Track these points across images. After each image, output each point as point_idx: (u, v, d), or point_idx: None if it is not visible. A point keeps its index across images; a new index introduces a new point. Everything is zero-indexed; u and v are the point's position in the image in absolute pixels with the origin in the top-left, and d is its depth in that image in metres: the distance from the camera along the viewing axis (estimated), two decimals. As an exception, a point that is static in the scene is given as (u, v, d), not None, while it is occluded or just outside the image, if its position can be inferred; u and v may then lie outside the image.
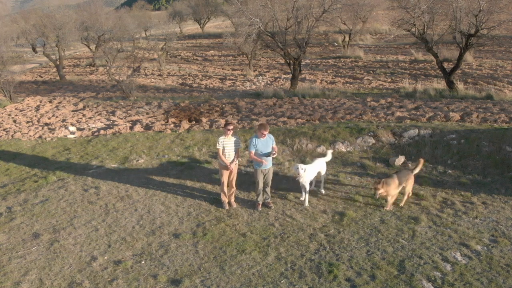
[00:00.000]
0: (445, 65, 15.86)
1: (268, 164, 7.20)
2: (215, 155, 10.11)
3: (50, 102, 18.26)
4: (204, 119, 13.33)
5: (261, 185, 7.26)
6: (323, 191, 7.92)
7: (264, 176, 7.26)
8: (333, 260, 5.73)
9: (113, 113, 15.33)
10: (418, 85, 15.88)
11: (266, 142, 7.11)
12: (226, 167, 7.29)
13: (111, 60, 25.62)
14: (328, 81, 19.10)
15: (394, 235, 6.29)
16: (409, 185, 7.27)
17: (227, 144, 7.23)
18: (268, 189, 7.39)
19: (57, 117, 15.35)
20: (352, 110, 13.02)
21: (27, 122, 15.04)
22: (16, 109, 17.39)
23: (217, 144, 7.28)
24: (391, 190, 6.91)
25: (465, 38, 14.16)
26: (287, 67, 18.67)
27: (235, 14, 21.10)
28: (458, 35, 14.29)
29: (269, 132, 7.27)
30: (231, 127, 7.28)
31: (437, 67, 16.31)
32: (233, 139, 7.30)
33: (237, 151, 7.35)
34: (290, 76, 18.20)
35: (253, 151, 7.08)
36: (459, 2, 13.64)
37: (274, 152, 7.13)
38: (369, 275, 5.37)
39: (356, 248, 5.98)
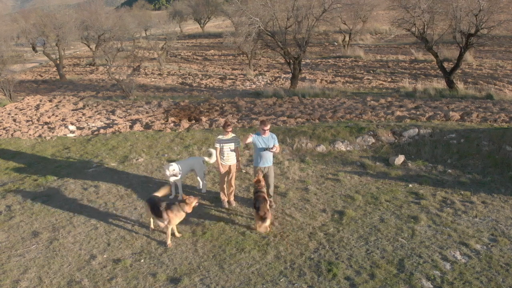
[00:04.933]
0: (445, 64, 15.86)
1: (267, 162, 7.10)
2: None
3: (50, 101, 18.26)
4: (203, 118, 13.32)
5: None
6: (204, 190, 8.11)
7: (264, 176, 7.17)
8: (333, 259, 5.72)
9: (113, 112, 15.32)
10: (418, 84, 15.88)
11: (267, 141, 7.01)
12: (224, 166, 7.28)
13: (111, 59, 25.66)
14: (328, 81, 19.10)
15: (393, 234, 6.29)
16: None
17: (225, 144, 7.21)
18: (270, 190, 7.29)
19: (57, 116, 15.34)
20: (352, 109, 13.02)
21: (27, 121, 15.03)
22: (16, 108, 17.38)
23: (215, 143, 7.28)
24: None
25: (465, 38, 14.16)
26: (287, 67, 18.67)
27: (235, 13, 21.13)
28: (458, 34, 14.29)
29: (269, 131, 7.21)
30: (229, 129, 7.20)
31: (437, 66, 16.31)
32: (232, 138, 7.28)
33: (236, 150, 7.33)
34: (290, 75, 18.20)
35: (250, 140, 6.99)
36: (459, 1, 13.64)
37: (271, 147, 6.95)
38: (368, 274, 5.37)
39: (355, 247, 5.98)
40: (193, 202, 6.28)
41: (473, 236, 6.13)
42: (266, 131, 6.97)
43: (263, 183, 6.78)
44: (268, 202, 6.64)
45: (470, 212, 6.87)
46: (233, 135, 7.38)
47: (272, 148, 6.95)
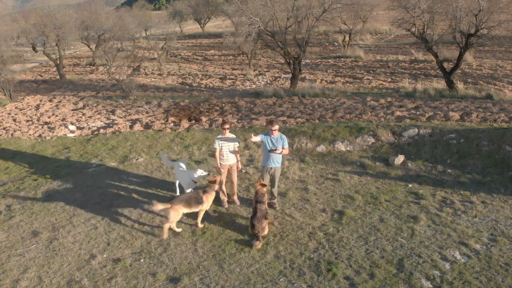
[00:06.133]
0: (445, 65, 15.87)
1: (274, 162, 7.01)
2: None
3: (50, 101, 18.27)
4: (203, 118, 13.33)
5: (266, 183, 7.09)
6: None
7: (271, 176, 7.13)
8: (332, 258, 5.73)
9: (113, 112, 15.33)
10: (418, 84, 15.89)
11: (276, 141, 6.90)
12: (224, 166, 7.28)
13: (111, 59, 25.69)
14: (328, 81, 19.10)
15: (393, 234, 6.29)
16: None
17: (224, 143, 7.19)
18: (274, 190, 7.29)
19: (57, 116, 15.35)
20: (352, 109, 13.02)
21: (27, 121, 15.04)
22: (16, 108, 17.39)
23: (214, 144, 7.27)
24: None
25: (465, 38, 14.16)
26: (287, 67, 18.69)
27: (235, 13, 21.14)
28: (458, 34, 14.30)
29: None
30: (227, 126, 7.17)
31: (437, 67, 16.32)
32: (231, 137, 7.27)
33: (235, 149, 7.30)
34: (290, 75, 18.21)
35: (257, 139, 6.87)
36: (459, 1, 13.65)
37: (275, 149, 6.87)
38: (368, 274, 5.37)
39: (355, 247, 5.98)
40: (219, 179, 6.98)
41: (472, 236, 6.14)
42: (274, 131, 6.85)
43: (265, 189, 6.64)
44: (267, 216, 6.51)
45: (469, 212, 6.88)
46: (233, 135, 7.37)
47: (276, 150, 6.86)
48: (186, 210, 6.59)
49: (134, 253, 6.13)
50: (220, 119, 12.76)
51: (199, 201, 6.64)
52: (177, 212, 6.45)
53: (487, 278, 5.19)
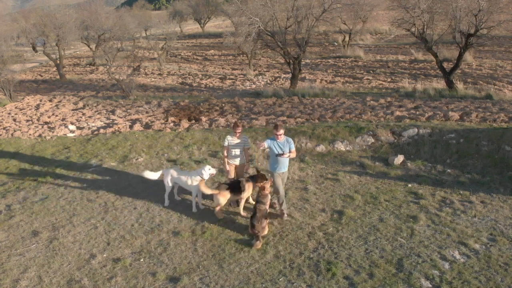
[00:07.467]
0: (445, 65, 15.88)
1: (284, 167, 6.89)
2: (215, 154, 10.14)
3: (50, 101, 18.28)
4: (203, 118, 13.33)
5: (282, 191, 6.87)
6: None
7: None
8: (332, 258, 5.74)
9: (113, 112, 15.34)
10: (418, 84, 15.89)
11: (283, 145, 6.78)
12: (231, 165, 7.29)
13: (111, 59, 25.70)
14: (328, 81, 19.11)
15: (392, 233, 6.30)
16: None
17: (232, 143, 7.20)
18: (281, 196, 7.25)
19: (57, 116, 15.36)
20: (352, 109, 13.03)
21: (27, 121, 15.04)
22: (16, 108, 17.40)
23: (224, 142, 7.31)
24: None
25: (465, 38, 14.17)
26: (287, 67, 18.70)
27: (235, 13, 21.16)
28: (457, 34, 14.30)
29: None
30: (239, 130, 7.14)
31: (436, 67, 16.32)
32: (241, 142, 7.25)
33: (246, 151, 7.29)
34: (290, 75, 18.22)
35: (265, 146, 6.80)
36: (459, 1, 13.65)
37: (281, 153, 6.73)
38: (367, 273, 5.38)
39: (354, 247, 5.99)
40: (269, 184, 6.81)
41: (472, 235, 6.15)
42: (280, 135, 6.71)
43: (267, 191, 6.58)
44: (267, 216, 6.43)
45: (469, 211, 6.89)
46: (244, 137, 7.34)
47: (283, 155, 6.73)
48: (231, 196, 7.02)
49: (134, 252, 6.14)
50: (222, 120, 12.76)
51: (242, 188, 6.99)
52: (224, 197, 6.92)
53: (487, 277, 5.19)
